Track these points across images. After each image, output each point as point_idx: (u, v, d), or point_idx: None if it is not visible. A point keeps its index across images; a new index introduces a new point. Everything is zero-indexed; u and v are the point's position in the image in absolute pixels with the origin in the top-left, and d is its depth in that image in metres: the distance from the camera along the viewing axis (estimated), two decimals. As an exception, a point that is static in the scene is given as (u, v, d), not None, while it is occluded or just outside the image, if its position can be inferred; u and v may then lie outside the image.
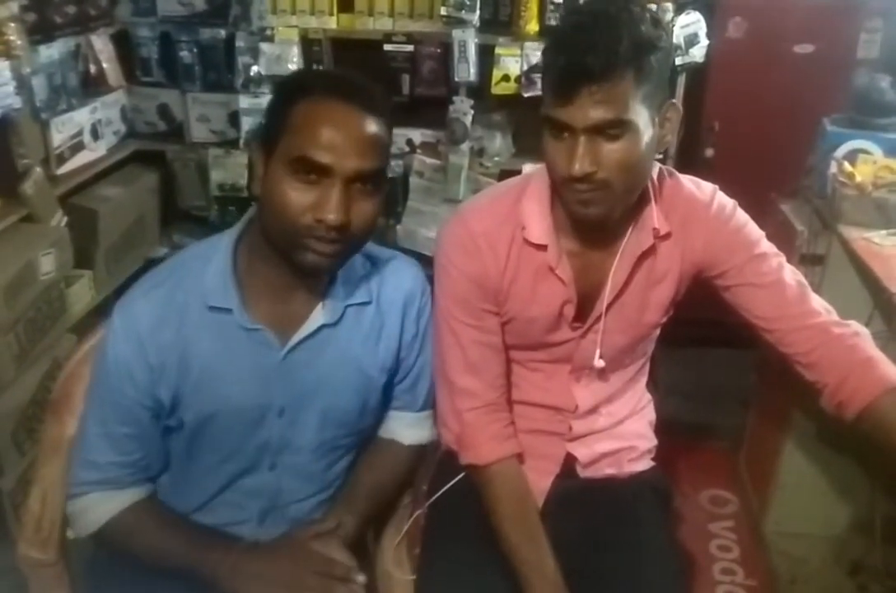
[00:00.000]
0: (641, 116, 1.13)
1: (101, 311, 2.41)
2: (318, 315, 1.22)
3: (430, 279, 1.36)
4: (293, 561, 1.19)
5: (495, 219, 1.30)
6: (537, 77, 2.33)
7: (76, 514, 1.25)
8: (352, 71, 1.22)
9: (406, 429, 1.39)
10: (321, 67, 2.59)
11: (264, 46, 2.58)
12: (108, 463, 1.23)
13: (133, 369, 1.18)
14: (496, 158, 2.67)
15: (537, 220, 1.28)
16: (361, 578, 1.19)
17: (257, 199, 1.16)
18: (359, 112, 1.10)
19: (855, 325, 1.28)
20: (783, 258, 1.32)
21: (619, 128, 1.12)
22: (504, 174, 2.52)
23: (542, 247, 1.28)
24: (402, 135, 2.70)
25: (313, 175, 1.08)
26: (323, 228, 1.09)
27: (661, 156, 2.45)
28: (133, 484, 1.25)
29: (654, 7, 2.35)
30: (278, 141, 1.10)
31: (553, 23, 2.44)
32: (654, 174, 1.29)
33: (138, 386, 1.19)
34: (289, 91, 1.13)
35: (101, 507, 1.23)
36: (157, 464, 1.27)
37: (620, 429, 1.46)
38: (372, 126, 1.11)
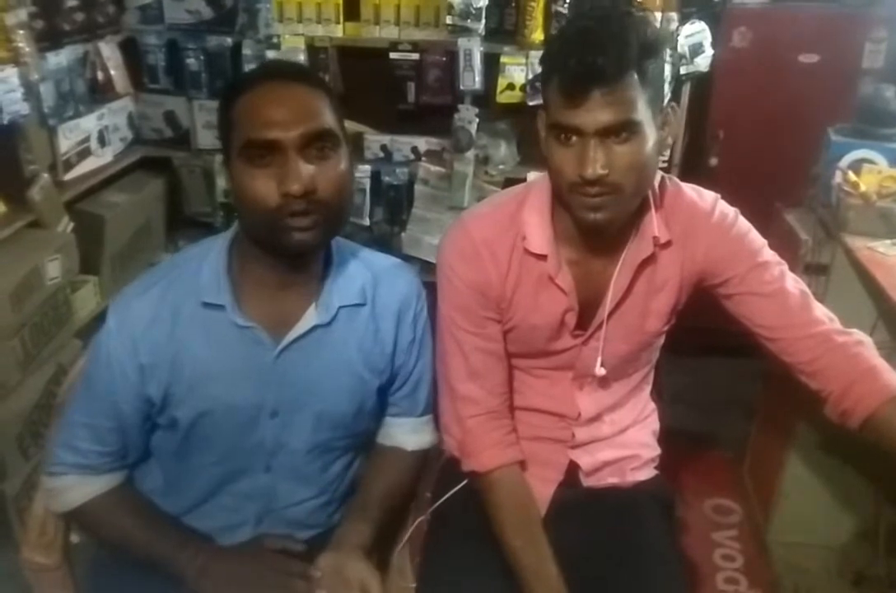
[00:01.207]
0: (647, 119, 1.14)
1: (105, 317, 2.42)
2: (312, 315, 1.22)
3: (433, 286, 1.36)
4: (259, 565, 1.20)
5: (496, 227, 1.31)
6: (541, 86, 2.34)
7: (52, 492, 1.28)
8: (275, 59, 1.27)
9: (408, 435, 1.39)
10: (327, 76, 2.60)
11: (271, 54, 2.59)
12: (88, 451, 1.24)
13: (125, 367, 1.20)
14: (501, 166, 2.67)
15: (537, 230, 1.29)
16: (318, 574, 1.19)
17: (235, 209, 1.18)
18: (284, 83, 1.13)
19: (858, 334, 1.28)
20: (785, 266, 1.32)
21: (628, 130, 1.13)
22: (509, 182, 2.53)
23: (543, 257, 1.29)
24: (407, 142, 2.71)
25: (267, 157, 1.10)
26: (292, 202, 1.09)
27: (664, 165, 2.47)
28: (110, 470, 1.27)
29: (658, 16, 2.37)
30: (229, 143, 1.13)
31: (558, 32, 2.45)
32: (656, 182, 1.29)
33: (129, 384, 1.20)
34: (225, 97, 1.16)
35: (77, 490, 1.25)
36: (135, 453, 1.29)
37: (623, 438, 1.46)
38: (303, 93, 1.13)
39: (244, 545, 1.26)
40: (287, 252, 1.16)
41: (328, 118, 1.14)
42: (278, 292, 1.22)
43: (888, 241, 1.82)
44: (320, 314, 1.22)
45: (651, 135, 1.15)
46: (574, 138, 1.15)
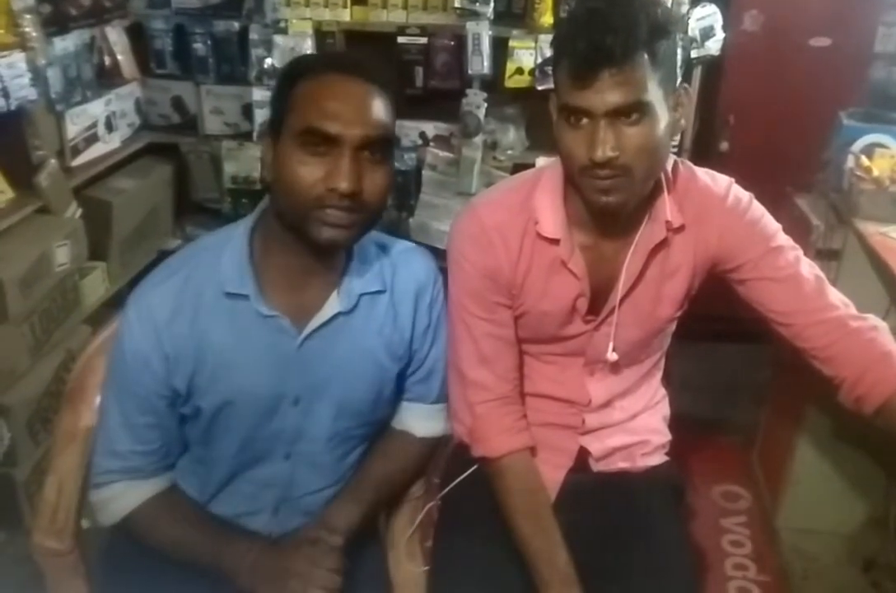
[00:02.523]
0: (658, 100, 1.13)
1: (114, 303, 2.43)
2: (334, 303, 1.22)
3: (444, 272, 1.36)
4: (307, 559, 1.20)
5: (508, 212, 1.30)
6: (551, 70, 2.32)
7: (101, 503, 1.26)
8: (347, 51, 1.24)
9: (419, 420, 1.39)
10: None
11: (278, 39, 2.57)
12: (129, 452, 1.23)
13: (150, 359, 1.18)
14: (509, 151, 2.66)
15: (550, 214, 1.28)
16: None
17: (269, 186, 1.17)
18: (359, 82, 1.12)
19: (873, 319, 1.27)
20: (800, 251, 1.31)
21: (638, 111, 1.12)
22: (517, 167, 2.52)
23: (555, 241, 1.28)
24: (415, 128, 2.69)
25: (322, 147, 1.09)
26: (336, 197, 1.09)
27: (675, 150, 2.45)
28: (155, 472, 1.26)
29: (670, -1, 2.34)
30: (284, 122, 1.12)
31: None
32: (669, 166, 1.28)
33: (155, 375, 1.19)
34: (288, 76, 1.15)
35: (126, 497, 1.24)
36: (176, 451, 1.28)
37: (634, 424, 1.46)
38: (374, 94, 1.12)
39: (291, 540, 1.25)
40: (314, 244, 1.15)
41: (390, 125, 1.14)
42: (301, 280, 1.21)
43: (900, 226, 1.81)
44: (342, 301, 1.22)
45: (663, 116, 1.14)
46: (584, 120, 1.14)
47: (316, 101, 1.10)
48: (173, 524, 1.24)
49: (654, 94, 1.12)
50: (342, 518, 1.27)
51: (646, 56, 1.10)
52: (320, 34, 2.59)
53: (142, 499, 1.24)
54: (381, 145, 1.13)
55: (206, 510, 1.29)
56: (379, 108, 1.12)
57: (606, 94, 1.10)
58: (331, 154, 1.09)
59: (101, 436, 1.25)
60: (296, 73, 1.14)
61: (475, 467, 1.39)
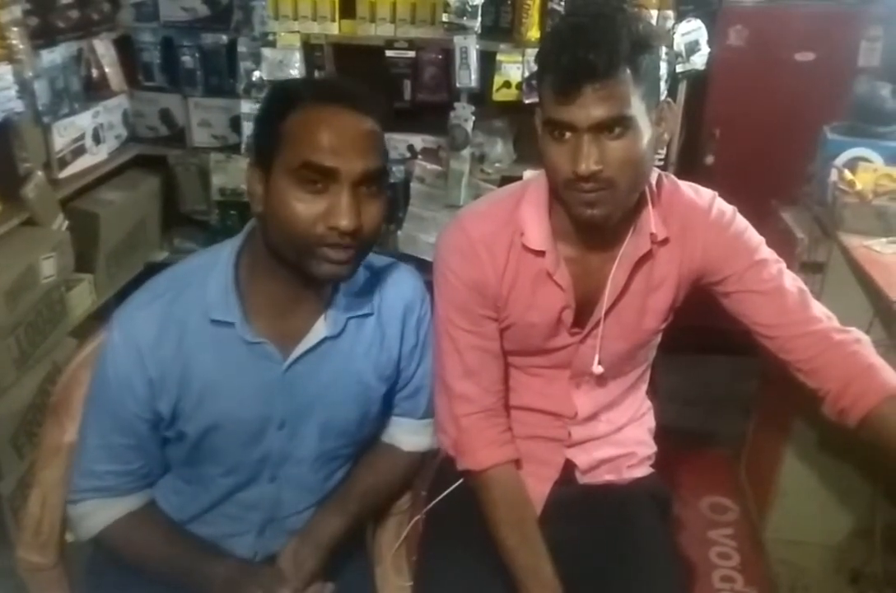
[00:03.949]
0: (641, 114, 1.14)
1: (101, 315, 2.42)
2: (321, 327, 1.21)
3: (430, 285, 1.36)
4: (283, 579, 1.20)
5: (493, 224, 1.30)
6: (536, 84, 2.34)
7: (75, 519, 1.26)
8: (336, 75, 1.21)
9: (406, 435, 1.38)
10: (322, 73, 2.58)
11: (266, 52, 2.58)
12: (105, 472, 1.22)
13: (133, 382, 1.17)
14: (497, 164, 2.67)
15: (535, 226, 1.28)
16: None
17: (259, 217, 1.14)
18: (353, 113, 1.09)
19: (856, 332, 1.28)
20: (783, 264, 1.32)
21: (621, 125, 1.13)
22: (505, 180, 2.53)
23: (541, 253, 1.29)
24: (403, 140, 2.70)
25: (319, 183, 1.07)
26: (336, 235, 1.07)
27: (661, 163, 2.47)
28: (131, 491, 1.25)
29: (654, 14, 2.36)
30: (276, 155, 1.08)
31: (554, 30, 2.45)
32: (653, 179, 1.29)
33: (138, 399, 1.18)
34: (277, 105, 1.11)
35: (98, 514, 1.23)
36: (157, 471, 1.27)
37: (620, 436, 1.46)
38: (368, 125, 1.10)
39: (268, 560, 1.26)
40: (314, 279, 1.14)
41: (384, 157, 1.12)
42: (288, 306, 1.19)
43: (884, 240, 1.82)
44: (329, 326, 1.21)
45: (646, 130, 1.15)
46: (568, 134, 1.15)
47: (311, 134, 1.06)
48: (146, 541, 1.23)
49: (637, 108, 1.13)
50: (326, 530, 1.26)
51: (628, 71, 1.11)
52: (308, 47, 2.60)
53: (114, 518, 1.23)
54: (378, 178, 1.11)
55: (182, 528, 1.27)
56: (374, 139, 1.10)
57: (590, 108, 1.11)
58: (329, 190, 1.07)
59: (80, 454, 1.24)
60: (285, 104, 1.09)
61: (461, 481, 1.39)
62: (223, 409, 1.19)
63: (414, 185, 2.72)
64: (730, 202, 1.34)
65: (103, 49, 2.57)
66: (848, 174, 1.91)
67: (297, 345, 1.20)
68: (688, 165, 2.66)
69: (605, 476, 1.45)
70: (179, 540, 1.24)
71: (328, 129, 1.07)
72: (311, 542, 1.24)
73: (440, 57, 2.57)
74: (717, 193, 1.34)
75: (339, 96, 1.10)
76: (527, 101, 2.49)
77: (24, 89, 2.11)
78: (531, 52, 2.45)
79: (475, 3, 2.44)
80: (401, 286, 1.30)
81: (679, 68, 2.47)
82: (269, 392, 1.20)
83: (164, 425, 1.21)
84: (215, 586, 1.18)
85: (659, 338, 1.42)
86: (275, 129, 1.09)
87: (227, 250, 1.20)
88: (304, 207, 1.07)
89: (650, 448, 1.50)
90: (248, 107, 2.63)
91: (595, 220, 1.21)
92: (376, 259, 1.31)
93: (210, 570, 1.19)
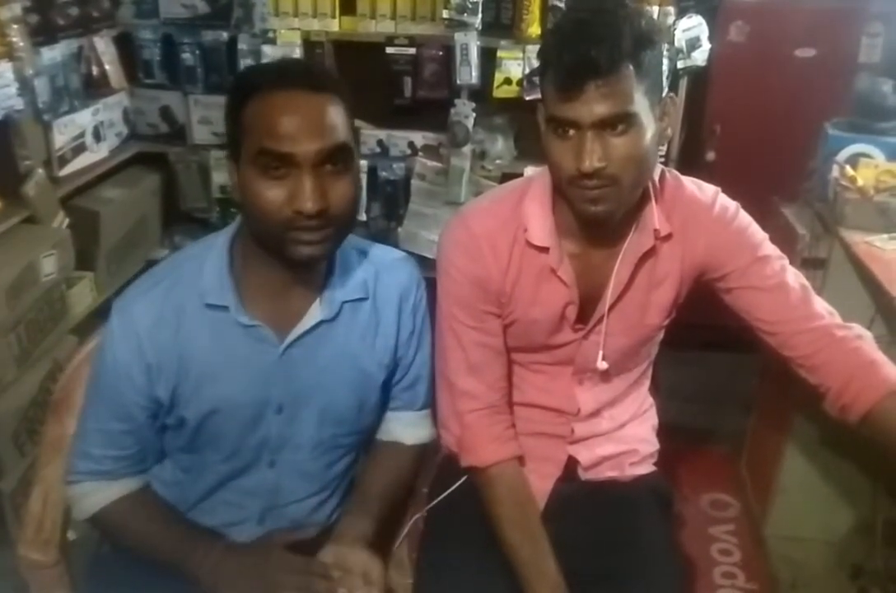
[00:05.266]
0: (644, 110, 1.14)
1: (102, 313, 2.39)
2: (316, 311, 1.22)
3: (432, 282, 1.36)
4: (270, 562, 1.19)
5: (497, 221, 1.30)
6: (538, 81, 2.34)
7: (73, 500, 1.28)
8: (293, 59, 1.20)
9: (407, 428, 1.39)
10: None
11: (266, 49, 2.58)
12: (102, 456, 1.24)
13: (131, 369, 1.19)
14: (498, 161, 2.67)
15: (539, 222, 1.28)
16: (337, 574, 1.18)
17: (239, 207, 1.16)
18: (305, 93, 1.09)
19: (857, 328, 1.28)
20: (786, 260, 1.32)
21: (625, 122, 1.12)
22: (506, 177, 2.52)
23: (544, 250, 1.28)
24: (403, 137, 2.70)
25: (281, 169, 1.08)
26: (303, 218, 1.08)
27: (662, 159, 2.47)
28: (126, 475, 1.26)
29: (655, 10, 2.36)
30: (241, 145, 1.10)
31: (555, 26, 2.44)
32: (656, 175, 1.29)
33: (136, 385, 1.19)
34: (237, 94, 1.12)
35: (94, 496, 1.25)
36: (152, 456, 1.28)
37: (622, 433, 1.46)
38: (321, 104, 1.09)
39: (257, 541, 1.25)
40: (293, 263, 1.15)
41: (344, 131, 1.11)
42: (282, 290, 1.21)
43: (885, 236, 1.81)
44: (324, 310, 1.22)
45: (649, 126, 1.15)
46: (571, 131, 1.14)
47: (264, 120, 1.08)
48: (139, 524, 1.24)
49: (640, 104, 1.13)
50: (354, 531, 1.25)
51: (631, 67, 1.11)
52: (309, 44, 2.59)
53: (109, 499, 1.24)
54: (341, 154, 1.10)
55: (177, 511, 1.28)
56: (331, 117, 1.10)
57: (592, 105, 1.11)
58: (290, 175, 1.08)
59: (78, 437, 1.26)
60: (243, 93, 1.11)
61: (464, 479, 1.39)
62: (221, 393, 1.20)
63: (414, 182, 2.71)
64: (731, 198, 1.34)
65: (103, 46, 2.56)
66: (849, 170, 1.91)
67: (292, 328, 1.21)
68: (689, 162, 2.65)
69: (608, 473, 1.45)
70: (173, 523, 1.25)
71: (280, 114, 1.07)
72: (348, 540, 1.23)
73: (441, 53, 2.57)
74: (720, 189, 1.34)
75: (292, 79, 1.10)
76: (527, 98, 2.49)
77: (25, 87, 2.11)
78: (532, 49, 2.45)
79: (475, 0, 2.43)
80: (395, 271, 1.31)
81: (680, 64, 2.46)
82: (266, 375, 1.21)
83: (163, 411, 1.22)
84: (203, 571, 1.18)
85: (662, 335, 1.42)
86: (236, 119, 1.11)
87: (221, 237, 1.23)
88: (270, 194, 1.09)
89: (653, 445, 1.50)
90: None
91: (599, 217, 1.21)
92: (371, 246, 1.32)
93: (204, 552, 1.19)
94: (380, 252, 1.33)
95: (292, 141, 1.07)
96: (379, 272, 1.29)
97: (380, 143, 2.72)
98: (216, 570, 1.18)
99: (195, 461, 1.27)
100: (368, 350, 1.28)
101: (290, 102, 1.08)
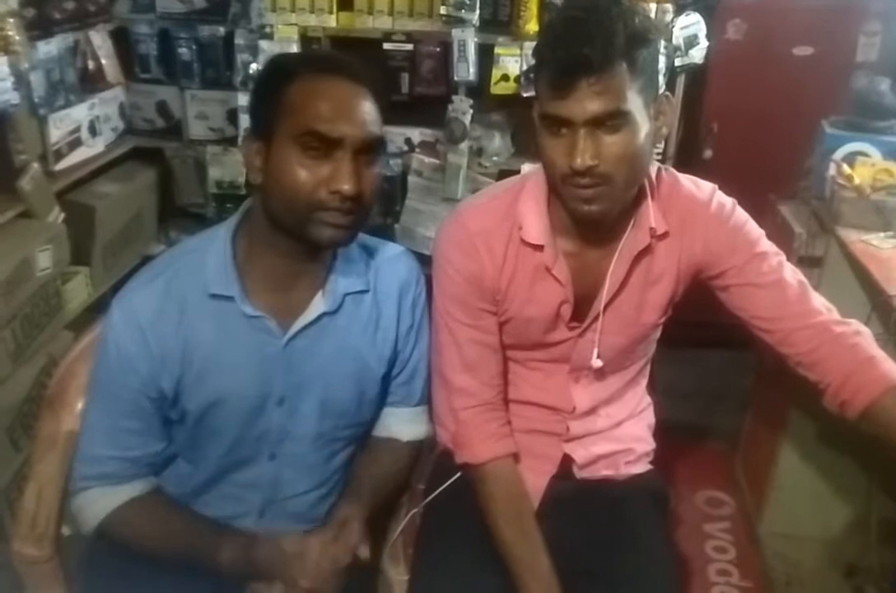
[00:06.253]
0: (638, 108, 1.13)
1: (97, 308, 2.41)
2: (319, 303, 1.23)
3: (428, 278, 1.36)
4: (309, 545, 1.19)
5: (492, 218, 1.30)
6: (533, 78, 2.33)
7: (78, 510, 1.26)
8: (329, 50, 1.23)
9: (404, 424, 1.39)
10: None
11: (263, 44, 2.57)
12: (109, 458, 1.23)
13: (136, 360, 1.18)
14: (495, 158, 2.66)
15: (534, 220, 1.28)
16: (364, 552, 1.20)
17: (257, 189, 1.17)
18: (352, 84, 1.13)
19: (856, 324, 1.28)
20: (783, 257, 1.32)
21: (617, 119, 1.12)
22: (503, 174, 2.52)
23: (539, 248, 1.28)
24: (400, 134, 2.70)
25: (322, 150, 1.10)
26: (338, 200, 1.11)
27: (659, 157, 2.47)
28: (131, 478, 1.25)
29: (653, 7, 2.36)
30: (277, 125, 1.12)
31: (552, 23, 2.44)
32: (653, 173, 1.29)
33: (142, 377, 1.19)
34: (276, 76, 1.15)
35: (98, 504, 1.23)
36: (159, 461, 1.27)
37: (618, 432, 1.46)
38: (366, 96, 1.14)
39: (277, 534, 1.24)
40: (313, 244, 1.17)
41: (382, 127, 1.16)
42: (286, 281, 1.22)
43: (882, 234, 1.82)
44: (327, 302, 1.23)
45: (643, 124, 1.15)
46: (564, 129, 1.14)
47: (314, 103, 1.10)
48: (151, 525, 1.23)
49: (634, 102, 1.12)
50: (342, 514, 1.25)
51: (624, 65, 1.10)
52: (306, 40, 2.58)
53: (114, 506, 1.23)
54: (377, 147, 1.15)
55: (187, 508, 1.27)
56: (372, 109, 1.14)
57: (585, 103, 1.10)
58: (331, 156, 1.11)
59: (82, 441, 1.25)
60: (282, 75, 1.13)
61: (459, 475, 1.39)
62: (224, 384, 1.21)
63: (411, 179, 2.71)
64: (728, 196, 1.33)
65: (100, 41, 2.56)
66: (846, 168, 1.91)
67: (295, 320, 1.22)
68: (686, 160, 2.65)
69: (603, 471, 1.45)
70: (183, 520, 1.24)
71: (331, 99, 1.11)
72: (343, 521, 1.23)
73: (438, 50, 2.57)
74: (717, 186, 1.34)
75: (335, 67, 1.14)
76: (525, 95, 2.49)
77: (20, 81, 2.10)
78: (529, 46, 2.44)
79: (473, -4, 2.43)
80: (396, 265, 1.32)
81: (677, 62, 2.46)
82: (268, 367, 1.22)
83: (167, 404, 1.22)
84: (223, 563, 1.18)
85: (658, 333, 1.42)
86: (275, 99, 1.12)
87: (223, 229, 1.23)
88: (308, 173, 1.11)
89: (649, 445, 1.50)
90: (245, 99, 2.61)
91: (593, 216, 1.20)
92: (372, 241, 1.34)
93: (216, 548, 1.19)
94: (380, 246, 1.34)
95: (343, 125, 1.10)
96: (379, 266, 1.30)
97: (377, 139, 2.71)
98: (252, 548, 1.17)
99: (196, 454, 1.27)
100: (369, 343, 1.28)
101: (338, 88, 1.12)
